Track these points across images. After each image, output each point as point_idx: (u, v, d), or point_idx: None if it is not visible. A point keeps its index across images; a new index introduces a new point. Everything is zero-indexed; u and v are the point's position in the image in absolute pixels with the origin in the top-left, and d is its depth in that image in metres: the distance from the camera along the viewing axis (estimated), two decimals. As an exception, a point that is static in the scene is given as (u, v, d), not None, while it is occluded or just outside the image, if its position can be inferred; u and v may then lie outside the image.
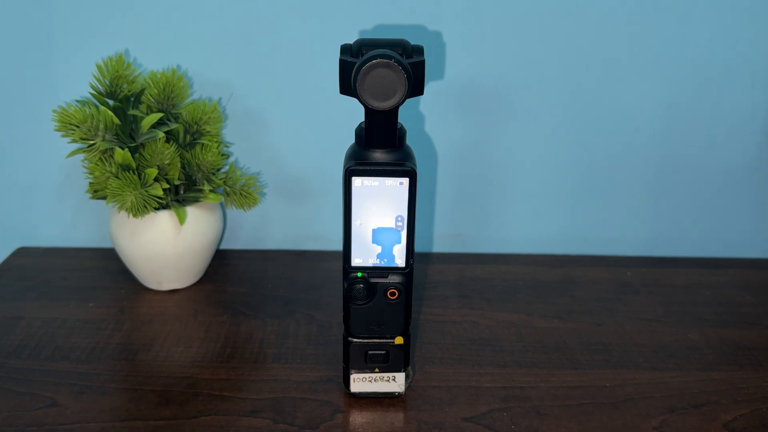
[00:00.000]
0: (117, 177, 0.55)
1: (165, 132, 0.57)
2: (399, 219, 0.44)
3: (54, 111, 0.54)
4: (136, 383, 0.50)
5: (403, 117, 0.44)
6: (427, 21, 0.62)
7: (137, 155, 0.57)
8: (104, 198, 0.57)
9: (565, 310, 0.60)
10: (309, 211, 0.70)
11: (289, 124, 0.66)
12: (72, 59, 0.62)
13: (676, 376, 0.51)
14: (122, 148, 0.55)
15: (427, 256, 0.69)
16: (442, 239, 0.71)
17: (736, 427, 0.46)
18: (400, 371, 0.48)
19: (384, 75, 0.40)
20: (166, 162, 0.57)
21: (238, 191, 0.61)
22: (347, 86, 0.42)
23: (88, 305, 0.59)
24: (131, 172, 0.55)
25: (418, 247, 0.69)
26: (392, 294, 0.46)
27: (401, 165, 0.43)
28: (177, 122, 0.59)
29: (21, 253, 0.68)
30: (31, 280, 0.63)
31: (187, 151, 0.59)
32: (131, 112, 0.57)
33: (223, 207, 0.65)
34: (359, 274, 0.45)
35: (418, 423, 0.47)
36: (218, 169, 0.60)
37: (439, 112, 0.65)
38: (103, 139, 0.55)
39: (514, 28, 0.62)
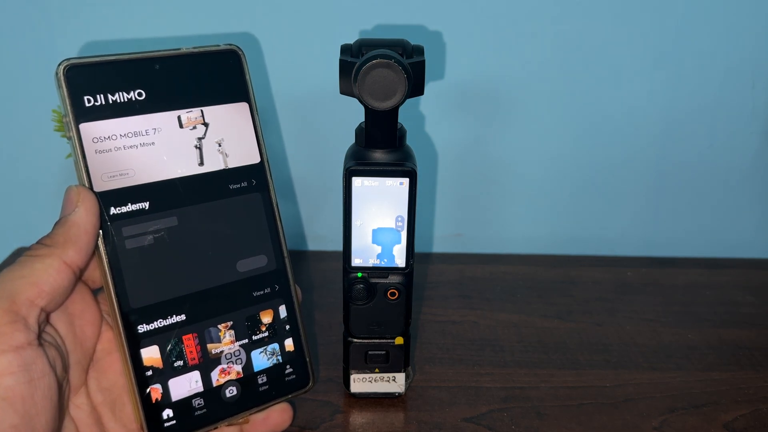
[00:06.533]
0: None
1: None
2: (399, 219, 0.44)
3: (54, 111, 0.54)
4: (136, 383, 0.50)
5: (403, 117, 0.44)
6: (427, 21, 0.62)
7: (137, 155, 0.57)
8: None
9: (565, 310, 0.60)
10: (309, 211, 0.70)
11: (289, 124, 0.66)
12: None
13: (676, 377, 0.51)
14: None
15: (427, 256, 0.69)
16: (442, 239, 0.71)
17: (736, 428, 0.46)
18: (400, 371, 0.48)
19: (384, 75, 0.40)
20: (166, 162, 0.57)
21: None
22: (347, 86, 0.42)
23: (88, 305, 0.59)
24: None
25: (418, 247, 0.69)
26: (392, 294, 0.46)
27: (401, 165, 0.43)
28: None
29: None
30: (30, 280, 0.63)
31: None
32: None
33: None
34: (359, 275, 0.45)
35: (418, 423, 0.46)
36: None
37: (439, 112, 0.65)
38: (103, 139, 0.55)
39: (514, 28, 0.62)
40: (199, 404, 0.38)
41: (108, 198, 0.36)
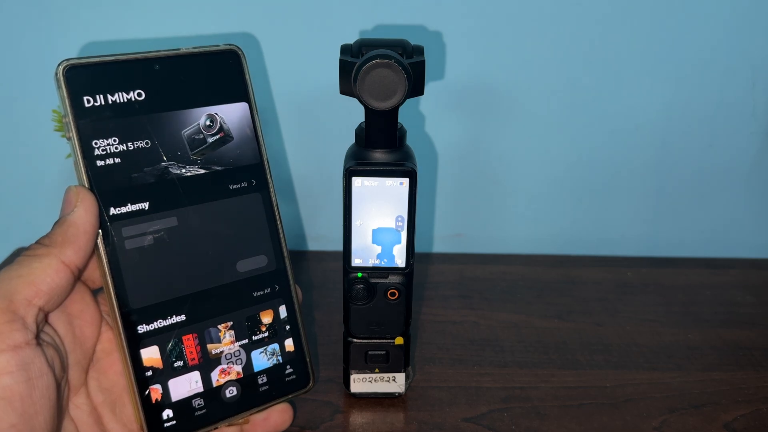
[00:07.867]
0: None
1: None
2: (399, 219, 0.44)
3: (54, 111, 0.54)
4: (136, 383, 0.50)
5: (403, 117, 0.44)
6: (427, 21, 0.62)
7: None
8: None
9: (565, 310, 0.60)
10: (309, 211, 0.70)
11: (289, 124, 0.66)
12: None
13: (676, 377, 0.51)
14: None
15: (427, 256, 0.69)
16: (442, 239, 0.71)
17: (736, 428, 0.46)
18: (400, 371, 0.48)
19: (384, 75, 0.40)
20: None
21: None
22: (347, 86, 0.42)
23: (87, 305, 0.59)
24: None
25: (418, 247, 0.69)
26: (392, 294, 0.46)
27: (401, 165, 0.43)
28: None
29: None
30: (30, 280, 0.63)
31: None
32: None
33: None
34: (359, 275, 0.45)
35: (418, 423, 0.46)
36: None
37: (439, 112, 0.65)
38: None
39: (514, 27, 0.62)
40: (199, 404, 0.38)
41: (108, 198, 0.36)
